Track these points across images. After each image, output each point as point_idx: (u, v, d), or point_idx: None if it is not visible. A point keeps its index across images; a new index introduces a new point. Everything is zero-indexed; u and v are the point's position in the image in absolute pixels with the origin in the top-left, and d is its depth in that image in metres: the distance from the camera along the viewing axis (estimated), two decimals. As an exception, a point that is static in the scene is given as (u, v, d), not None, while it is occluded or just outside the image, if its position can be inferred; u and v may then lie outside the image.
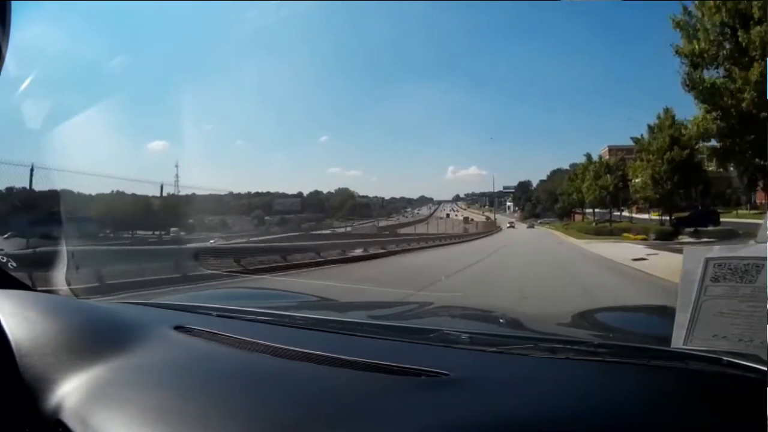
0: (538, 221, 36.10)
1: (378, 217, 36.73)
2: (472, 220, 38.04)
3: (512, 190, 44.97)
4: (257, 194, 31.20)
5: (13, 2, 0.77)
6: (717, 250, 0.55)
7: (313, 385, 0.67)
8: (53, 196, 7.81)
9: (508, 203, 46.27)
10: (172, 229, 11.42)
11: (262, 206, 29.69)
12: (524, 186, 43.71)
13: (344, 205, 40.93)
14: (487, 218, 39.98)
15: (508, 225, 34.33)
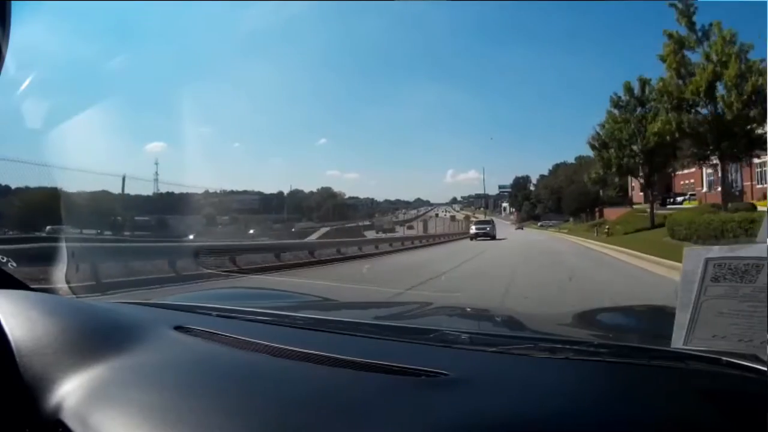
0: (539, 223, 33.85)
1: (362, 219, 35.78)
2: (455, 218, 37.94)
3: (509, 189, 44.00)
4: (231, 192, 29.31)
5: (13, 2, 0.77)
6: (717, 250, 0.56)
7: (313, 385, 0.67)
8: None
9: (504, 204, 45.47)
10: (49, 227, 8.79)
11: (218, 205, 27.00)
12: (522, 183, 42.16)
13: (323, 205, 39.41)
14: (466, 216, 40.17)
15: (474, 229, 21.01)
